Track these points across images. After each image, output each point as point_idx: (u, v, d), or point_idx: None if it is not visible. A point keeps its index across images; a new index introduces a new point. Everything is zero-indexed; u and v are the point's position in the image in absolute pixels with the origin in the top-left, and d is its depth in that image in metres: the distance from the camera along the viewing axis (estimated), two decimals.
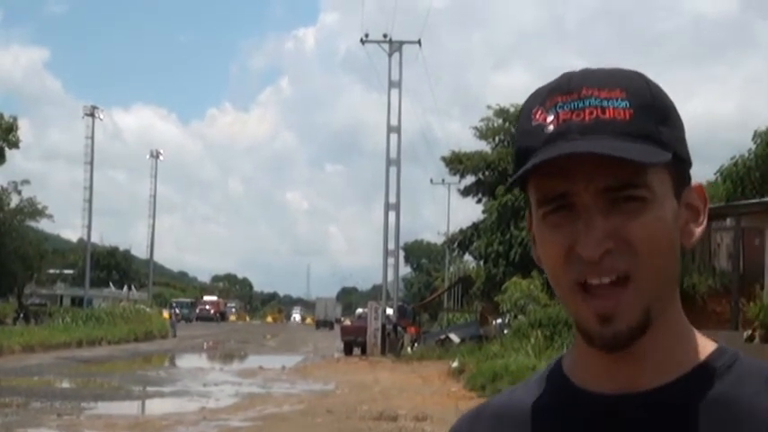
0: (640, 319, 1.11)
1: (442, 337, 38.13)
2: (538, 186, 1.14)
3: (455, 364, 28.10)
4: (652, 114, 1.14)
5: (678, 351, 1.18)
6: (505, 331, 30.94)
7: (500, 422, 1.25)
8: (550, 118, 1.14)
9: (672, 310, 1.18)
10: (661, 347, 1.16)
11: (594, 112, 1.12)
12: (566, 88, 1.15)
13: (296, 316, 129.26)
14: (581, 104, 1.13)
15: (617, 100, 1.13)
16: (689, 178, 1.20)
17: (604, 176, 1.11)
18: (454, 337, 36.58)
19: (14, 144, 48.58)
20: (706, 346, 1.21)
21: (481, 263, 44.66)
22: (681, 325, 1.19)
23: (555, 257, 1.13)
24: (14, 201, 54.42)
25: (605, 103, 1.13)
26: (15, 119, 49.09)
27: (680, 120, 1.19)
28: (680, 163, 1.17)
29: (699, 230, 1.20)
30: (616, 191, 1.11)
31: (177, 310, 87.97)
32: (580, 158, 1.09)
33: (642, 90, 1.16)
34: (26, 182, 55.39)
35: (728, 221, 21.69)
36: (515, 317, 31.17)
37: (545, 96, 1.16)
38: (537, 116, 1.15)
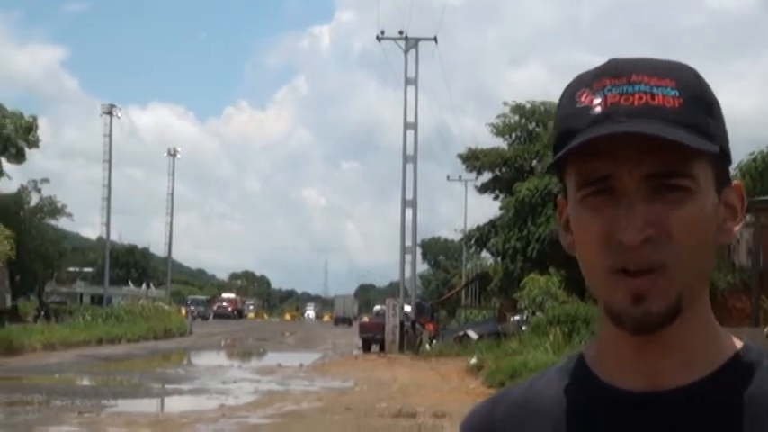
0: (672, 303, 1.11)
1: (460, 333, 38.02)
2: (579, 168, 1.13)
3: (473, 361, 28.04)
4: (700, 106, 1.14)
5: (706, 347, 1.17)
6: (523, 328, 30.89)
7: (520, 413, 1.24)
8: (597, 100, 1.13)
9: (701, 305, 1.18)
10: (689, 342, 1.16)
11: (644, 98, 1.12)
12: (614, 73, 1.14)
13: (309, 313, 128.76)
14: (630, 89, 1.12)
15: (667, 88, 1.13)
16: (729, 176, 1.19)
17: (651, 162, 1.10)
18: (472, 334, 36.48)
19: (34, 144, 48.75)
20: (733, 342, 1.20)
21: (498, 259, 44.49)
22: (709, 321, 1.19)
23: (592, 241, 1.12)
24: (34, 199, 54.73)
25: (655, 90, 1.13)
26: (35, 118, 49.26)
27: (723, 117, 1.19)
28: (723, 159, 1.17)
29: (736, 229, 1.20)
30: (661, 178, 1.11)
31: (193, 308, 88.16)
32: (627, 141, 1.09)
33: (691, 81, 1.16)
34: (45, 180, 55.65)
35: (748, 217, 21.58)
36: (533, 313, 31.08)
37: (591, 79, 1.15)
38: (582, 98, 1.14)
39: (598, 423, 1.17)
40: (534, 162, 43.33)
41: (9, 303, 48.59)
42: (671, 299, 1.11)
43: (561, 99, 1.18)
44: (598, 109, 1.12)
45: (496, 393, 1.32)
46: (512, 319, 34.47)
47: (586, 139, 1.10)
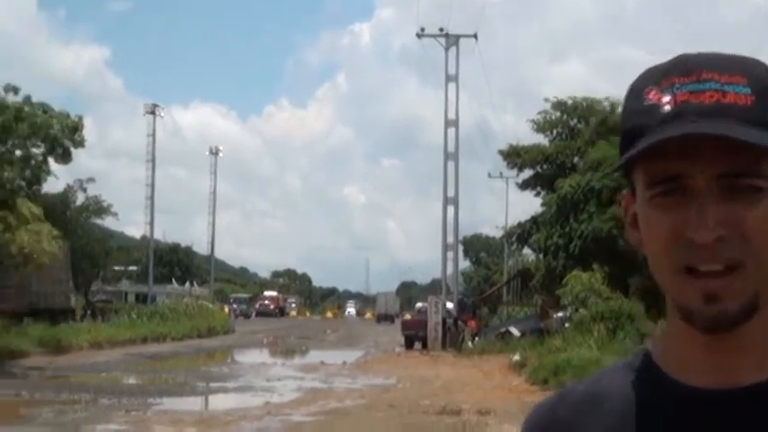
0: (748, 302, 1.09)
1: (503, 330, 37.98)
2: (648, 167, 1.12)
3: (516, 358, 28.01)
4: None
5: None
6: (566, 325, 30.77)
7: (585, 408, 1.22)
8: (667, 98, 1.11)
9: None
10: (762, 340, 1.14)
11: (715, 96, 1.10)
12: (683, 70, 1.12)
13: (350, 310, 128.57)
14: (700, 87, 1.10)
15: (738, 85, 1.11)
16: None
17: (723, 162, 1.08)
18: (514, 331, 36.42)
19: (80, 143, 48.98)
20: None
21: (540, 256, 44.33)
22: None
23: (661, 241, 1.11)
24: (80, 199, 55.20)
25: (726, 88, 1.10)
26: (81, 118, 49.41)
27: None
28: None
29: None
30: (733, 178, 1.09)
31: (236, 306, 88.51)
32: (699, 141, 1.07)
33: (763, 77, 1.13)
34: (91, 180, 55.98)
35: None
36: (576, 310, 30.93)
37: (660, 77, 1.14)
38: (650, 96, 1.13)
39: (667, 420, 1.15)
40: (576, 158, 43.12)
41: (74, 303, 49.30)
42: (746, 298, 1.09)
43: (628, 95, 1.17)
44: (668, 107, 1.11)
45: (563, 389, 1.30)
46: (554, 315, 34.31)
47: (656, 140, 1.08)
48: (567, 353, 23.86)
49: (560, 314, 33.50)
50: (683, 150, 1.08)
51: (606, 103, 43.36)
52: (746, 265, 1.09)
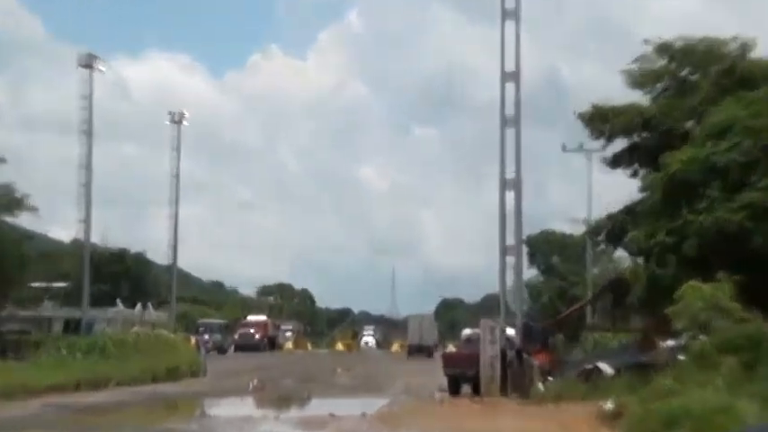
0: None
1: (588, 367, 37.93)
2: None
3: (609, 406, 27.94)
4: None
5: None
6: (681, 357, 30.69)
7: None
8: None
9: None
10: None
11: None
12: None
13: (368, 339, 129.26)
14: None
15: None
16: None
17: None
18: (605, 368, 36.40)
19: None
20: None
21: (640, 260, 44.28)
22: None
23: None
24: None
25: None
26: None
27: None
28: None
29: None
30: None
31: (207, 336, 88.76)
32: None
33: None
34: (1, 161, 56.24)
35: None
36: (695, 337, 30.84)
37: None
38: None
39: None
40: (690, 123, 43.06)
41: None
42: None
43: None
44: None
45: None
46: (662, 345, 34.23)
47: None
48: (682, 397, 23.76)
49: (671, 343, 33.46)
50: None
51: (734, 45, 43.15)
52: None
